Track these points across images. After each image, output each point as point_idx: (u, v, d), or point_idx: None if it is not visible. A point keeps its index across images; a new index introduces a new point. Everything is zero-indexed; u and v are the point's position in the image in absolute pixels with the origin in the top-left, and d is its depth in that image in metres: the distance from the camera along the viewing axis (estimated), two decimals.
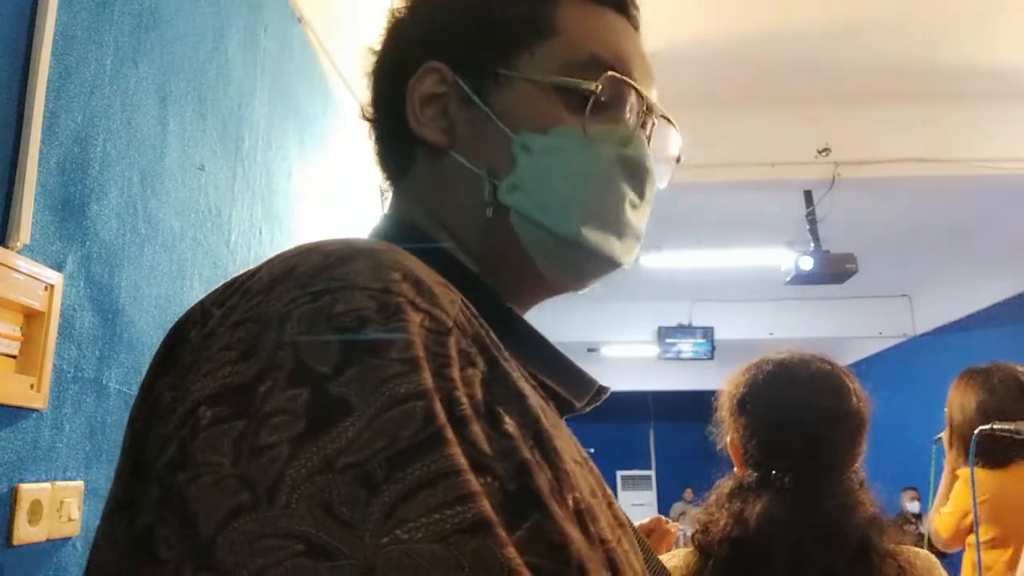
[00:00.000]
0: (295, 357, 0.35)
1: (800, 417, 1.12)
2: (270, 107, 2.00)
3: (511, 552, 0.32)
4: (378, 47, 0.61)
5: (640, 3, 0.61)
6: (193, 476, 0.34)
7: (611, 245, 0.55)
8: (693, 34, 3.08)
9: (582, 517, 0.39)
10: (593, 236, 0.54)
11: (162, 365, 0.40)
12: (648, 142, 0.58)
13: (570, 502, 0.39)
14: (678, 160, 0.62)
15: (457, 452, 0.34)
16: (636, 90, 0.56)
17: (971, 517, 1.93)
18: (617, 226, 0.55)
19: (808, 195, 3.99)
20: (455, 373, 0.37)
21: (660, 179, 0.59)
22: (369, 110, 0.61)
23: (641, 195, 0.57)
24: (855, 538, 1.02)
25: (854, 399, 1.14)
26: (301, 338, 0.35)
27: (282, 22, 2.12)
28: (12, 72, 1.05)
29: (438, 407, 0.34)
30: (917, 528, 6.21)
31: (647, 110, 0.58)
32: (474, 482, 0.33)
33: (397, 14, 0.60)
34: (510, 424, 0.38)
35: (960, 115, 3.64)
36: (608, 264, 0.56)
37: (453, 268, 0.52)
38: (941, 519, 2.06)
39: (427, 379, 0.35)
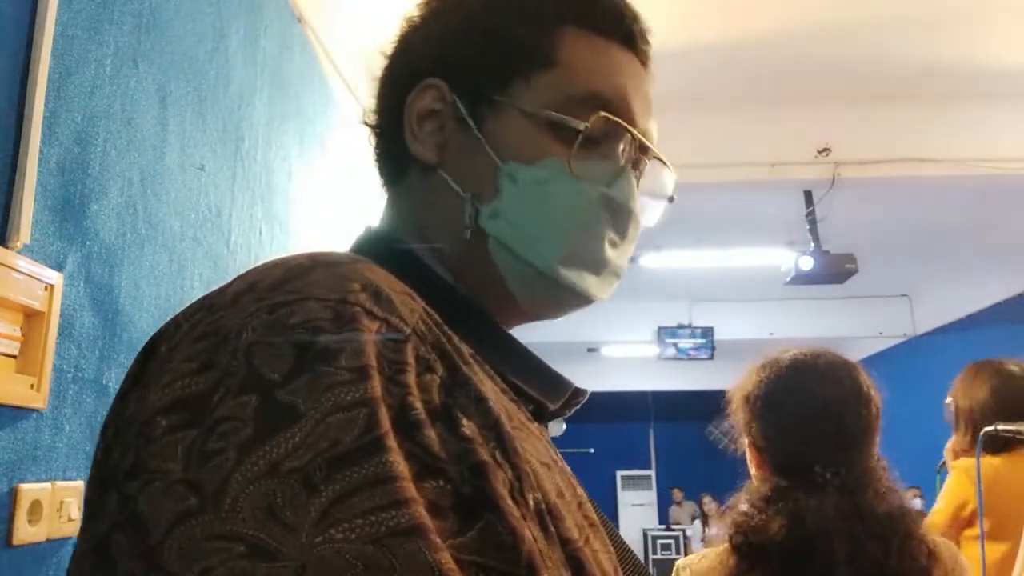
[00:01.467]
0: (248, 366, 0.36)
1: (827, 408, 1.12)
2: (270, 107, 2.00)
3: (444, 557, 0.33)
4: (389, 52, 0.61)
5: (640, 5, 0.60)
6: (145, 483, 0.35)
7: (586, 282, 0.55)
8: (693, 34, 3.08)
9: (543, 517, 0.40)
10: (569, 272, 0.54)
11: (136, 378, 0.42)
12: (639, 181, 0.58)
13: (531, 501, 0.40)
14: (671, 200, 0.62)
15: (397, 460, 0.34)
16: (630, 131, 0.55)
17: (969, 508, 1.89)
18: (595, 263, 0.55)
19: (808, 195, 3.99)
20: (411, 379, 0.38)
21: (648, 218, 0.60)
22: (372, 116, 0.62)
23: (623, 235, 0.57)
24: (901, 525, 1.04)
25: (867, 387, 1.16)
26: (255, 348, 0.36)
27: (282, 22, 2.12)
28: (12, 72, 1.05)
29: (382, 415, 0.35)
30: None
31: (641, 149, 0.58)
32: (411, 489, 0.34)
33: (410, 22, 0.60)
34: (468, 427, 0.39)
35: (960, 115, 3.64)
36: (581, 300, 0.56)
37: (429, 279, 0.53)
38: (934, 515, 2.01)
39: (375, 388, 0.36)
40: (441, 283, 0.54)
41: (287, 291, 0.39)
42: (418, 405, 0.37)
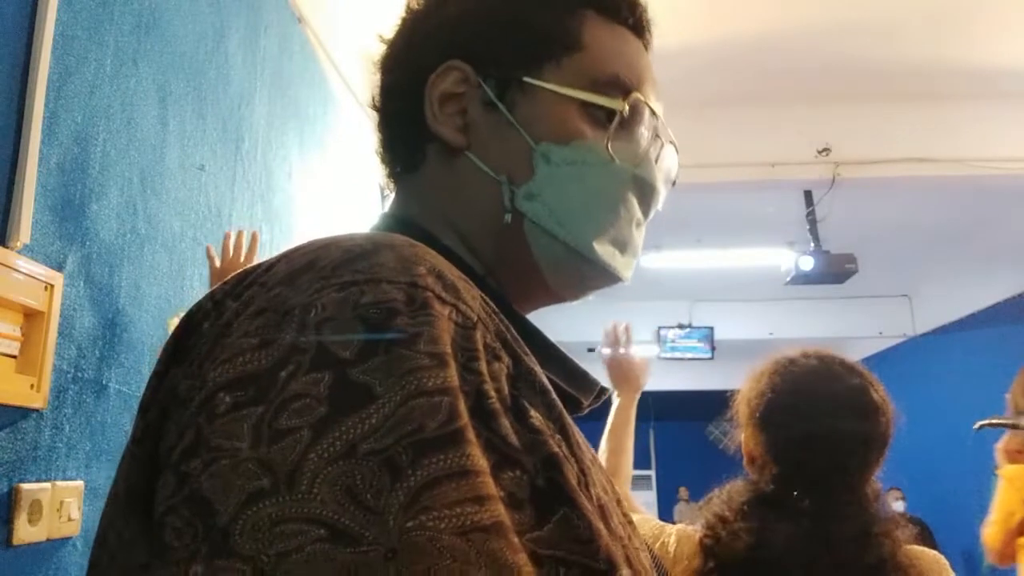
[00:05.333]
0: (318, 343, 0.35)
1: (825, 440, 1.09)
2: (270, 107, 2.00)
3: (522, 559, 0.32)
4: (393, 37, 0.61)
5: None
6: (208, 461, 0.33)
7: (616, 261, 0.56)
8: (694, 34, 3.08)
9: (603, 512, 0.39)
10: (602, 250, 0.55)
11: (174, 355, 0.40)
12: (657, 162, 0.60)
13: (594, 496, 0.39)
14: (674, 184, 0.64)
15: (477, 453, 0.34)
16: (654, 113, 0.57)
17: (1017, 516, 1.82)
18: (622, 243, 0.57)
19: (808, 195, 3.99)
20: (483, 367, 0.37)
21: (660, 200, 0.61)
22: (379, 100, 0.61)
23: (646, 214, 0.58)
24: (870, 557, 1.02)
25: (882, 419, 1.11)
26: (325, 325, 0.35)
27: (282, 22, 2.12)
28: (12, 72, 1.05)
29: (462, 406, 0.34)
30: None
31: (657, 132, 0.59)
32: (492, 485, 0.33)
33: (416, 5, 0.60)
34: (536, 418, 0.38)
35: (960, 115, 3.64)
36: (611, 279, 0.57)
37: (459, 268, 0.52)
38: (987, 530, 1.93)
39: (453, 376, 0.35)
40: (473, 275, 0.53)
41: (354, 271, 0.37)
42: (493, 394, 0.36)
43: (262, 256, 1.38)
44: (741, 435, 1.19)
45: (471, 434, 0.34)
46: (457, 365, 0.36)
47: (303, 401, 0.33)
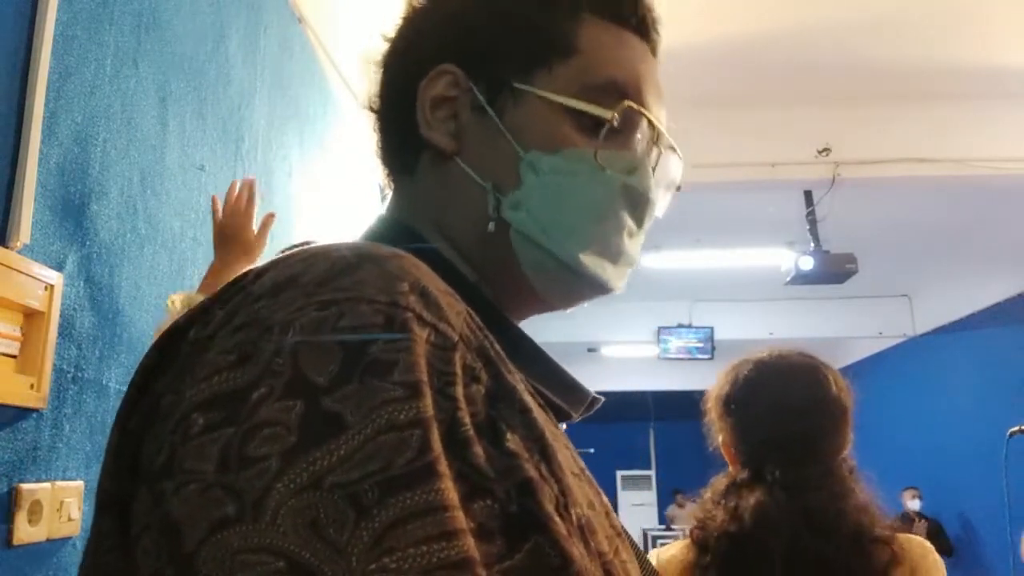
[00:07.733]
0: (293, 367, 0.34)
1: (781, 410, 1.15)
2: (270, 107, 2.00)
3: None
4: (392, 36, 0.60)
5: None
6: (179, 485, 0.33)
7: (605, 271, 0.55)
8: (693, 34, 3.08)
9: (583, 532, 0.39)
10: (589, 262, 0.54)
11: (161, 363, 0.40)
12: (653, 170, 0.58)
13: (574, 517, 0.39)
14: (678, 188, 0.62)
15: (448, 487, 0.33)
16: (649, 120, 0.55)
17: None
18: (613, 253, 0.55)
19: (808, 195, 3.99)
20: (459, 392, 0.36)
21: (659, 208, 0.59)
22: (375, 101, 0.60)
23: (640, 224, 0.57)
24: (848, 526, 1.05)
25: (833, 387, 1.17)
26: (301, 348, 0.35)
27: (282, 22, 2.12)
28: (12, 72, 1.05)
29: (435, 437, 0.34)
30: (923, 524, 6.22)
31: (656, 138, 0.58)
32: (461, 519, 0.33)
33: (416, 4, 0.59)
34: (512, 440, 0.38)
35: (960, 115, 3.64)
36: (600, 289, 0.56)
37: (451, 276, 0.50)
38: None
39: (427, 407, 0.34)
40: (465, 283, 0.53)
41: (336, 288, 0.37)
42: (467, 420, 0.36)
43: (263, 257, 1.38)
44: (718, 437, 1.24)
45: (442, 466, 0.33)
46: (432, 392, 0.35)
47: (273, 429, 0.33)
